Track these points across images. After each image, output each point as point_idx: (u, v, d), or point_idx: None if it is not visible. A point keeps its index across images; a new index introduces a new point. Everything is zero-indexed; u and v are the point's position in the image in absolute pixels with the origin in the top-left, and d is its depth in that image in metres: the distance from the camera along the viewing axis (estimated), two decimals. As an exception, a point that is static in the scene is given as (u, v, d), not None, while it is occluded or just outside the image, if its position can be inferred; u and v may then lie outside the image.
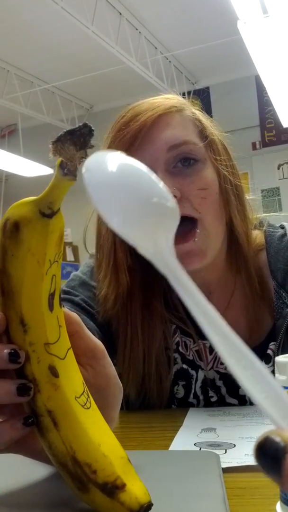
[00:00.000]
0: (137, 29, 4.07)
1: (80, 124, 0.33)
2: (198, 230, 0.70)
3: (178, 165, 0.72)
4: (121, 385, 0.47)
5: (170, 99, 0.76)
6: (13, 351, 0.36)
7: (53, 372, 0.37)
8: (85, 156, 0.33)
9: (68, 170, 0.33)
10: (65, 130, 0.32)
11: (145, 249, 0.23)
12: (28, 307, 0.36)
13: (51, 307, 0.38)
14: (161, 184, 0.23)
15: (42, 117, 5.01)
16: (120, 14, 3.84)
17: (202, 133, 0.75)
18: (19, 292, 0.36)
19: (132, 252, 0.75)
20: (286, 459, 0.19)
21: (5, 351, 0.36)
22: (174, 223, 0.24)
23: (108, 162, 0.24)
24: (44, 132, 5.67)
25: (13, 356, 0.36)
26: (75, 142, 0.33)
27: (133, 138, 0.70)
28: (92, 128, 0.33)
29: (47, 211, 0.35)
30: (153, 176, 0.24)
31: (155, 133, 0.71)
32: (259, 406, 0.20)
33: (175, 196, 0.69)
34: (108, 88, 5.06)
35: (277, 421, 0.20)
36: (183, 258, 0.70)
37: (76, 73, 4.60)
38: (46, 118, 5.05)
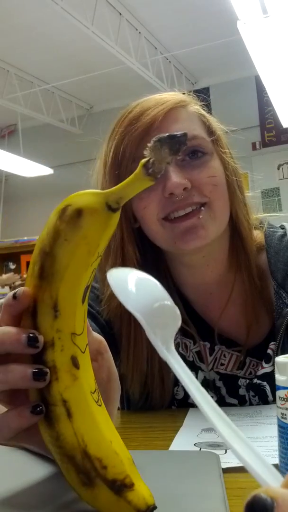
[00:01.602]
0: (137, 29, 4.07)
1: (181, 132, 0.34)
2: (203, 209, 0.71)
3: (186, 158, 0.73)
4: (119, 380, 0.48)
5: (174, 94, 0.77)
6: (32, 335, 0.36)
7: (75, 363, 0.36)
8: (170, 162, 0.34)
9: (153, 171, 0.34)
10: (167, 134, 0.34)
11: (149, 337, 0.29)
12: (65, 293, 0.36)
13: (83, 299, 0.38)
14: (162, 289, 0.30)
15: (42, 117, 5.01)
16: (120, 14, 3.84)
17: (208, 128, 0.76)
18: (61, 276, 0.36)
19: (140, 248, 0.76)
20: None
21: (24, 335, 0.36)
22: (174, 321, 0.29)
23: (127, 273, 0.33)
24: (44, 132, 5.69)
25: (32, 341, 0.35)
26: (172, 147, 0.33)
27: (144, 132, 0.71)
28: (187, 140, 0.34)
29: (114, 205, 0.36)
30: (158, 285, 0.31)
31: (165, 127, 0.71)
32: (248, 469, 0.22)
33: (185, 188, 0.69)
34: (108, 88, 5.06)
35: (264, 479, 0.21)
36: (185, 234, 0.71)
37: (76, 73, 4.60)
38: (46, 118, 5.05)
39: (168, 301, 0.30)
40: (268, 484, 0.21)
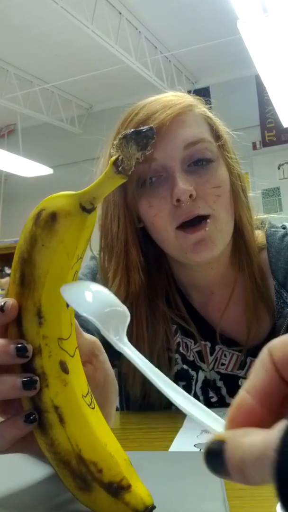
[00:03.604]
0: (137, 29, 4.07)
1: (147, 126, 0.33)
2: (209, 221, 0.72)
3: (192, 164, 0.72)
4: (116, 381, 0.48)
5: (180, 96, 0.76)
6: (20, 345, 0.36)
7: (64, 368, 0.36)
8: (141, 158, 0.33)
9: (123, 169, 0.33)
10: (132, 130, 0.33)
11: (104, 334, 0.33)
12: (48, 299, 0.36)
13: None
14: (112, 296, 0.35)
15: (41, 116, 5.01)
16: (120, 13, 3.84)
17: (215, 131, 0.76)
18: (42, 282, 0.36)
19: (143, 251, 0.76)
20: (225, 451, 0.23)
21: (12, 345, 0.35)
22: (123, 320, 0.34)
23: (81, 285, 0.36)
24: (43, 132, 5.68)
25: (21, 351, 0.35)
26: (139, 142, 0.33)
27: None
28: (155, 133, 0.34)
29: (88, 206, 0.35)
30: (109, 293, 0.35)
31: (173, 132, 0.71)
32: (198, 422, 0.27)
33: (190, 196, 0.70)
34: (108, 88, 5.06)
35: (212, 428, 0.26)
36: (193, 247, 0.71)
37: (75, 72, 4.60)
38: (46, 117, 5.05)
39: (118, 307, 0.34)
40: (216, 431, 0.26)
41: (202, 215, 0.71)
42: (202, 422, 0.27)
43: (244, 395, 0.25)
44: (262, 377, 0.25)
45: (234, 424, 0.25)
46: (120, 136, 0.33)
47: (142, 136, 0.33)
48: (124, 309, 0.34)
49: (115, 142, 0.33)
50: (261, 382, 0.25)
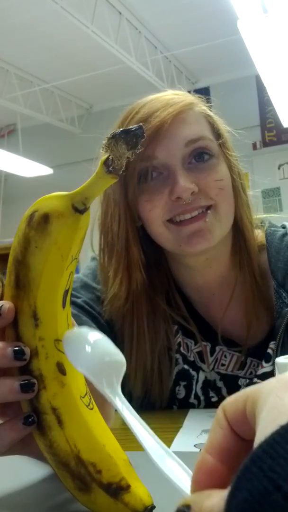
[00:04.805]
0: (137, 29, 4.06)
1: (136, 125, 0.33)
2: (209, 212, 0.72)
3: (193, 161, 0.72)
4: None
5: (180, 95, 0.76)
6: (18, 348, 0.35)
7: (61, 369, 0.36)
8: (132, 157, 0.33)
9: (113, 168, 0.33)
10: (121, 129, 0.33)
11: (97, 387, 0.33)
12: (43, 300, 0.36)
13: (64, 304, 0.37)
14: (111, 345, 0.36)
15: (41, 116, 5.00)
16: (120, 13, 3.83)
17: (215, 130, 0.76)
18: (37, 284, 0.36)
19: (144, 249, 0.76)
20: None
21: (9, 348, 0.35)
22: (120, 369, 0.35)
23: (84, 336, 0.37)
24: (43, 132, 5.68)
25: (18, 354, 0.35)
26: (128, 142, 0.33)
27: (153, 135, 0.70)
28: (145, 132, 0.33)
29: (80, 207, 0.35)
30: (108, 341, 0.36)
31: (173, 130, 0.71)
32: (170, 481, 0.28)
33: (192, 192, 0.70)
34: (108, 88, 5.06)
35: (182, 489, 0.27)
36: (191, 237, 0.71)
37: (75, 72, 4.60)
38: (46, 117, 5.05)
39: (115, 356, 0.35)
40: (185, 491, 0.27)
41: (203, 205, 0.71)
42: (173, 482, 0.28)
43: (205, 455, 0.26)
44: (218, 435, 0.26)
45: (199, 486, 0.25)
46: (109, 136, 0.33)
47: (132, 135, 0.33)
48: (121, 358, 0.35)
49: (104, 142, 0.33)
50: (218, 440, 0.26)
